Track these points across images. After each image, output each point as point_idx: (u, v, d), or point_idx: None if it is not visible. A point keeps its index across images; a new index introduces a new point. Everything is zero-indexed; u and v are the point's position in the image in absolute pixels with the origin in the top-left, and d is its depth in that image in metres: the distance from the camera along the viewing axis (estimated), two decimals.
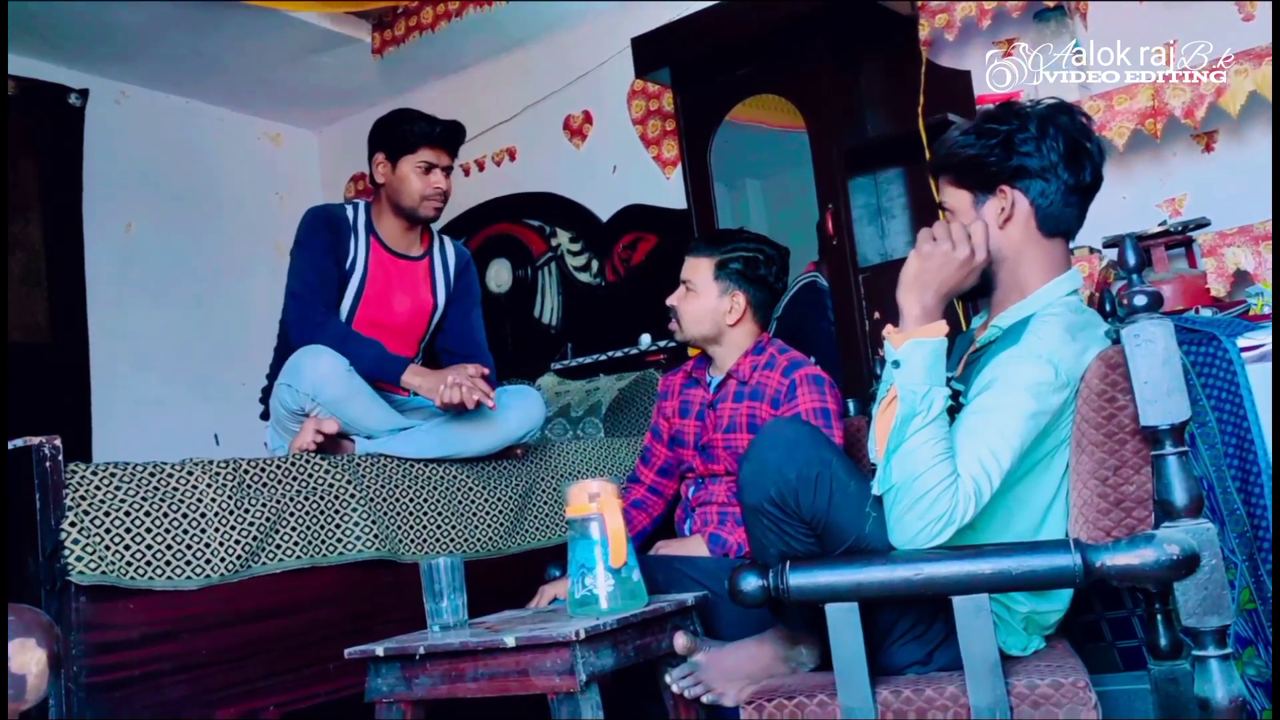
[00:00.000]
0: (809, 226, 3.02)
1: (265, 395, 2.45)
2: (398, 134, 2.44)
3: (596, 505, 1.68)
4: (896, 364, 1.45)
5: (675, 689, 1.65)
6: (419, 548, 2.11)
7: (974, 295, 1.64)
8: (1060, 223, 1.56)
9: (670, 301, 2.28)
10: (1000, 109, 1.59)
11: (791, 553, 1.47)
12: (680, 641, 1.71)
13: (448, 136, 2.46)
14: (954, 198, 1.61)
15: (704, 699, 1.62)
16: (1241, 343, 1.85)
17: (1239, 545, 1.82)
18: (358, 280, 2.43)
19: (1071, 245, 1.64)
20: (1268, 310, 2.21)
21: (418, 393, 2.28)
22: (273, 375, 2.43)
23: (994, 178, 1.56)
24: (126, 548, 1.67)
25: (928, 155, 2.81)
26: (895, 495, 1.40)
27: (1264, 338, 1.86)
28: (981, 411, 1.43)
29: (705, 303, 2.23)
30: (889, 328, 1.50)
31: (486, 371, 2.24)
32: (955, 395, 1.57)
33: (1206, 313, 2.24)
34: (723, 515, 2.21)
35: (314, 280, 2.35)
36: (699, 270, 2.24)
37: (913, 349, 1.45)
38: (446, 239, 2.65)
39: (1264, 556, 1.77)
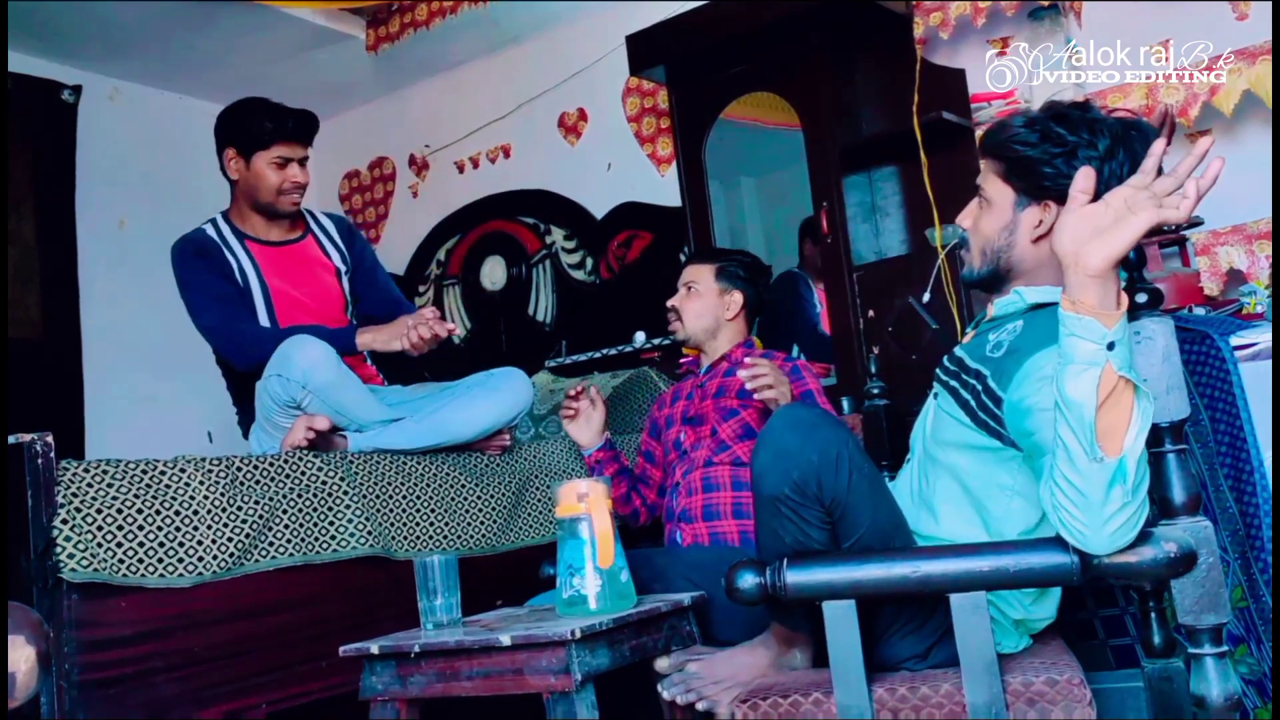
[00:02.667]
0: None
1: (240, 420, 2.45)
2: (249, 130, 2.36)
3: (585, 505, 1.67)
4: (1112, 345, 1.19)
5: (667, 696, 1.65)
6: (413, 545, 2.11)
7: (984, 288, 1.62)
8: None
9: (672, 303, 2.47)
10: (1074, 111, 1.47)
11: (808, 541, 1.45)
12: (661, 664, 1.70)
13: (301, 130, 2.40)
14: (995, 189, 1.54)
15: (699, 706, 1.62)
16: (1235, 341, 1.86)
17: (1231, 543, 1.82)
18: (258, 288, 2.39)
19: None
20: (1261, 309, 2.22)
21: (378, 347, 2.25)
22: (240, 406, 2.43)
23: (1044, 190, 1.47)
24: (119, 545, 1.67)
25: (922, 153, 2.82)
26: (1128, 495, 1.19)
27: (1257, 336, 1.86)
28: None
29: (707, 301, 2.44)
30: (1078, 301, 1.21)
31: (438, 312, 2.26)
32: (961, 364, 1.56)
33: (1200, 311, 2.25)
34: (706, 480, 2.29)
35: (219, 308, 2.32)
36: (700, 274, 2.47)
37: (1123, 329, 1.20)
38: (316, 211, 2.61)
39: (1256, 554, 1.78)
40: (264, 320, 2.38)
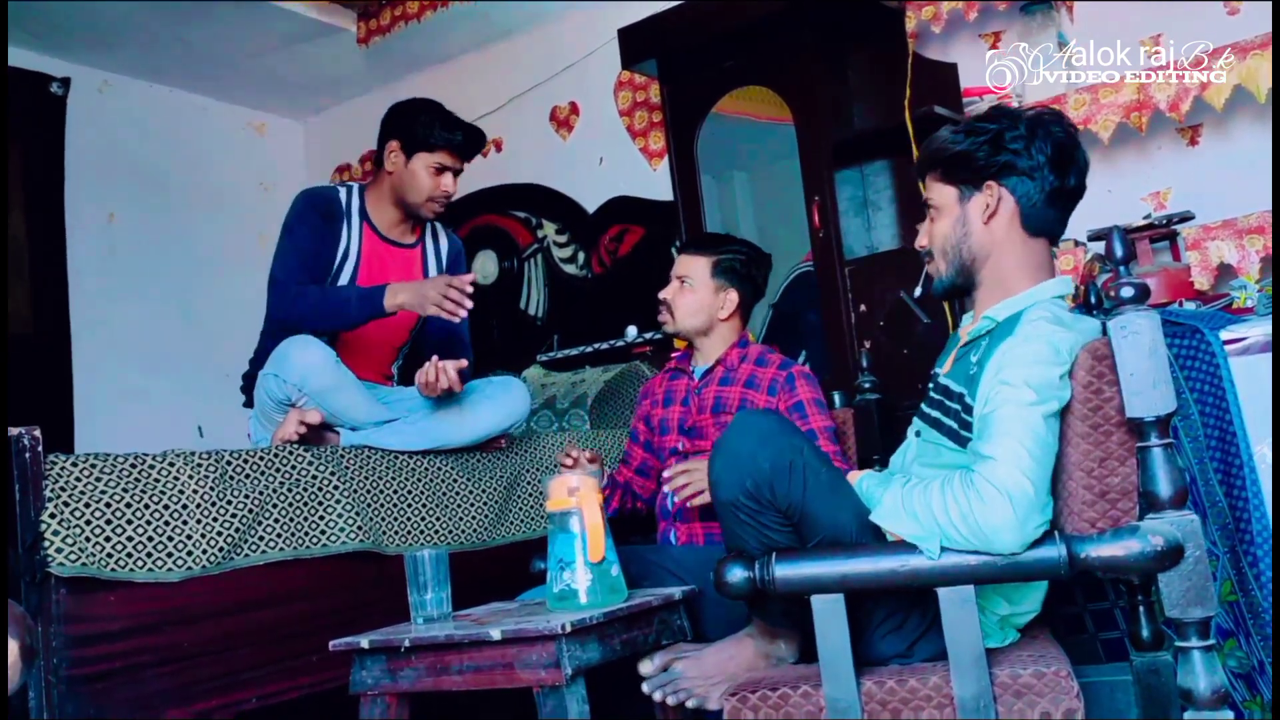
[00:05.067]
0: (795, 219, 3.02)
1: (247, 383, 2.42)
2: (420, 131, 2.38)
3: (576, 500, 1.67)
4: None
5: (657, 696, 1.65)
6: (403, 540, 2.10)
7: (958, 294, 1.66)
8: (1043, 223, 1.57)
9: (664, 295, 2.36)
10: (990, 110, 1.62)
11: (771, 544, 1.47)
12: (645, 668, 1.70)
13: (469, 146, 2.43)
14: (940, 194, 1.63)
15: (688, 704, 1.62)
16: (1225, 336, 1.86)
17: (1220, 537, 1.83)
18: (351, 267, 2.40)
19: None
20: (1251, 304, 2.22)
21: (406, 305, 2.21)
22: (257, 362, 2.40)
23: (981, 173, 1.57)
24: (107, 539, 1.66)
25: (914, 148, 2.81)
26: (956, 538, 1.36)
27: (1247, 331, 1.87)
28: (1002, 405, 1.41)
29: (701, 298, 2.32)
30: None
31: (464, 364, 2.23)
32: (946, 391, 1.58)
33: (1190, 306, 2.25)
34: None
35: (294, 263, 2.32)
36: (695, 267, 2.34)
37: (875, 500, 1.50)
38: (439, 226, 2.61)
39: (1246, 549, 1.78)
40: None
